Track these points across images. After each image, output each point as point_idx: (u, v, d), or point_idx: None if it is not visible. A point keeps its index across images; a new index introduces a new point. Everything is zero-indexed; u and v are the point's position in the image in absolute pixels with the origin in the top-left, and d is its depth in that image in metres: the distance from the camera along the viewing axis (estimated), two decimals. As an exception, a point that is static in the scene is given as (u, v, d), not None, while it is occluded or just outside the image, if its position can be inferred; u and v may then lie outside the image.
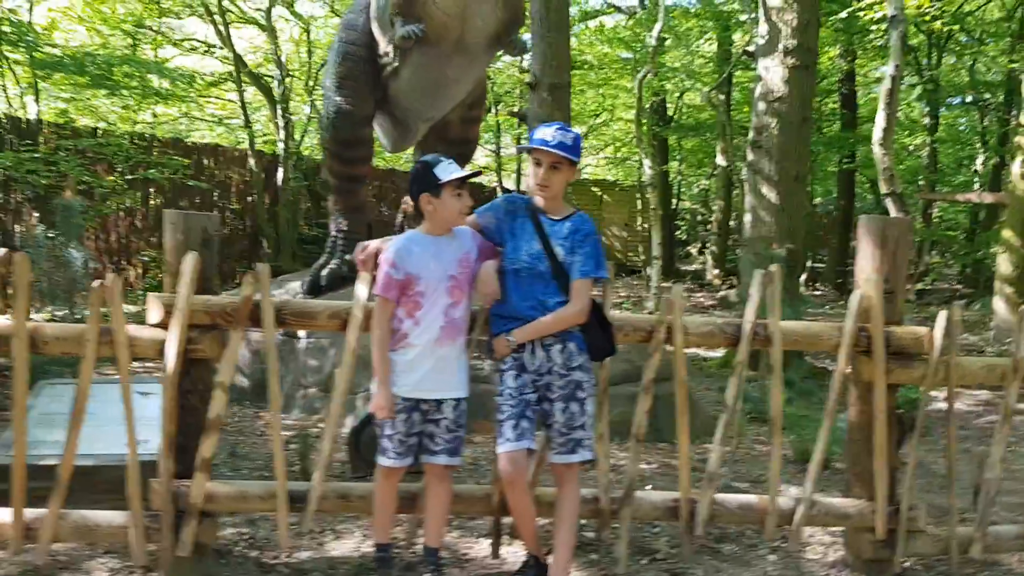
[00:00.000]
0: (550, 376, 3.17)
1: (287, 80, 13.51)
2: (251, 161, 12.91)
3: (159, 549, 3.24)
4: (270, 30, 13.10)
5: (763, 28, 9.53)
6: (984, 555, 3.63)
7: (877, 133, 7.03)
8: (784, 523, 3.51)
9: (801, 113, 9.50)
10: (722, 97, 18.38)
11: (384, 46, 6.36)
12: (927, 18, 12.84)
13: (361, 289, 3.30)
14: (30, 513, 3.17)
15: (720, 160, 18.98)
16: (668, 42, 18.33)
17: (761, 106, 9.51)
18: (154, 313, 3.25)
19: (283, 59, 13.41)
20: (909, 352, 3.51)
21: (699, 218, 25.32)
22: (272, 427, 3.31)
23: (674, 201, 23.65)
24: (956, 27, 17.34)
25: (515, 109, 16.89)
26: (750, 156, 9.72)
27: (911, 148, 22.37)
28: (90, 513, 3.27)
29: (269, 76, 13.65)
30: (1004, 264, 11.98)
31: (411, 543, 3.56)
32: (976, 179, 22.47)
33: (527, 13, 7.31)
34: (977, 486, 3.76)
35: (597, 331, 3.23)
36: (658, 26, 13.42)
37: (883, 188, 6.87)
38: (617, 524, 3.46)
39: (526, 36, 8.62)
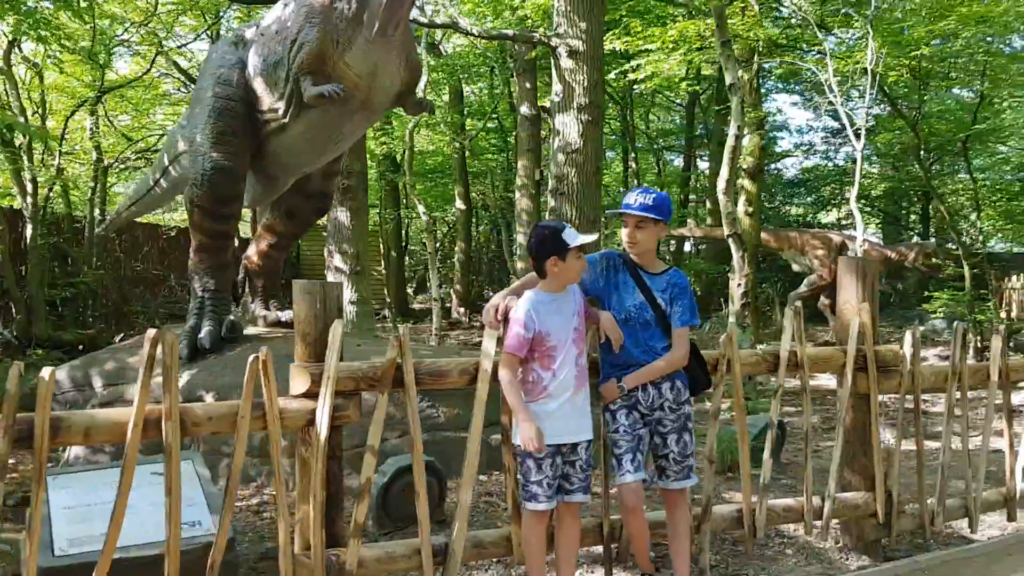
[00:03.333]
0: (661, 412, 3.56)
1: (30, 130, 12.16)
2: (-9, 217, 11.47)
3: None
4: (8, 75, 11.73)
5: (558, 87, 10.43)
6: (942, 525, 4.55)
7: (721, 184, 8.15)
8: (816, 518, 4.16)
9: (595, 163, 10.53)
10: (457, 144, 19.36)
11: (272, 102, 6.26)
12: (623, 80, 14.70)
13: (488, 344, 3.44)
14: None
15: (459, 204, 19.92)
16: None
17: (560, 157, 10.38)
18: (299, 383, 3.16)
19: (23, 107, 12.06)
20: (888, 366, 4.34)
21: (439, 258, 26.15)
22: (418, 488, 3.32)
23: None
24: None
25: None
26: (552, 203, 10.53)
27: (620, 189, 24.89)
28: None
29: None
30: (734, 288, 13.97)
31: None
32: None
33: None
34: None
35: (696, 368, 3.68)
36: (423, 81, 13.97)
37: (726, 230, 7.97)
38: (697, 536, 3.89)
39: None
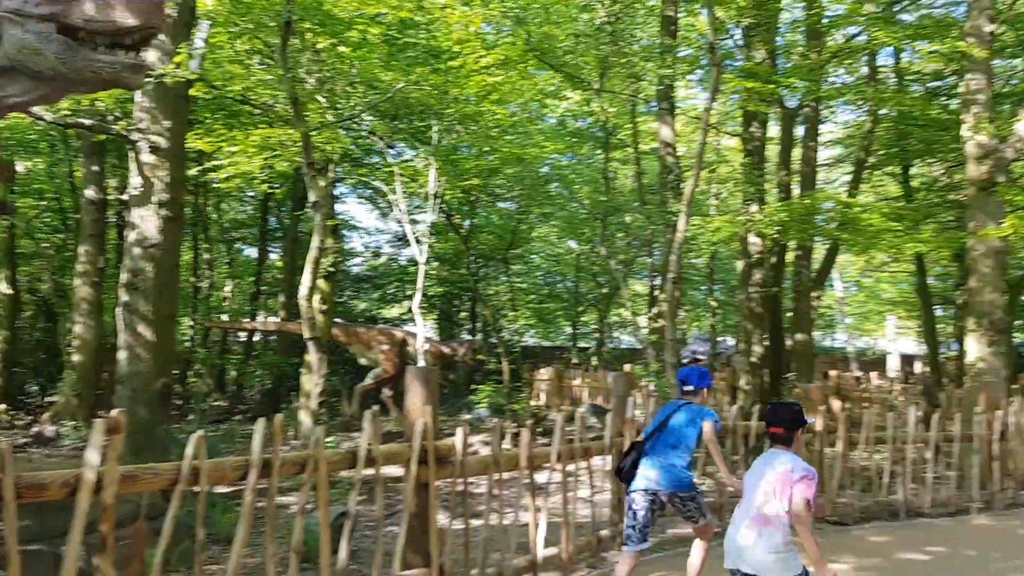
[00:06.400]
0: None
1: None
2: None
3: None
4: None
5: (137, 180, 10.36)
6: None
7: (303, 290, 8.70)
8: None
9: (173, 259, 10.57)
10: (6, 223, 17.69)
11: None
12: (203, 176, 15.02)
13: (91, 455, 3.62)
14: None
15: (5, 288, 18.09)
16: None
17: (136, 251, 10.25)
18: None
19: None
20: (444, 458, 5.23)
21: None
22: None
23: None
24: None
25: None
26: (124, 297, 10.30)
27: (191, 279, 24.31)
28: None
29: None
30: (307, 383, 14.56)
31: None
32: (231, 307, 25.54)
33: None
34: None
35: None
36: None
37: (307, 333, 8.52)
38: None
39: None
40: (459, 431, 5.33)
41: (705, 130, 10.48)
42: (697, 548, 5.69)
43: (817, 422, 8.83)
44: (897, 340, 40.54)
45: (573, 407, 17.92)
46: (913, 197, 21.58)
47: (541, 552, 6.02)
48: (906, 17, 16.15)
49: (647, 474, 5.45)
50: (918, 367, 35.76)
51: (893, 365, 36.91)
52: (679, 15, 15.09)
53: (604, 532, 6.93)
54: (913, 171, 22.84)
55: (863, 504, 9.02)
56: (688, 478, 5.51)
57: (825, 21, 14.79)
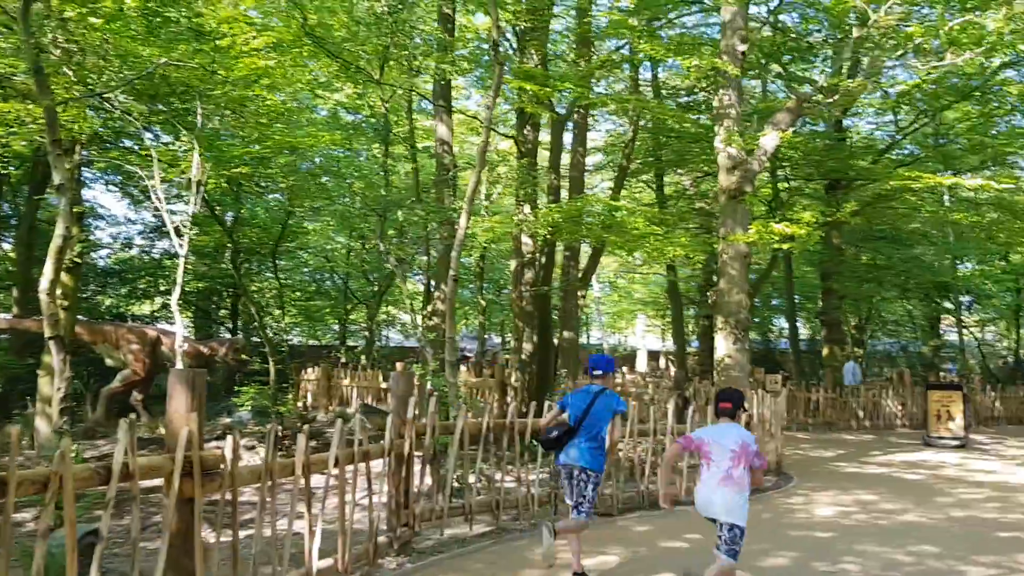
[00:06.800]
0: None
1: None
2: None
3: None
4: None
5: None
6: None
7: (44, 283, 7.69)
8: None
9: None
10: None
11: None
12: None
13: None
14: None
15: None
16: None
17: None
18: None
19: None
20: (212, 470, 4.79)
21: None
22: None
23: None
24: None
25: None
26: None
27: None
28: None
29: None
30: (46, 387, 13.13)
31: None
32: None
33: None
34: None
35: None
36: None
37: (48, 332, 7.55)
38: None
39: None
40: (228, 439, 4.91)
41: (487, 128, 10.49)
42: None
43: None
44: (645, 337, 43.43)
45: (342, 407, 17.49)
46: (666, 204, 23.11)
47: (316, 563, 5.70)
48: (664, 34, 17.19)
49: (568, 452, 6.27)
50: (662, 362, 38.52)
51: (642, 360, 39.47)
52: (455, 14, 15.15)
53: (381, 539, 6.71)
54: (666, 179, 24.48)
55: (627, 495, 9.42)
56: (597, 460, 6.24)
57: (594, 32, 15.40)
